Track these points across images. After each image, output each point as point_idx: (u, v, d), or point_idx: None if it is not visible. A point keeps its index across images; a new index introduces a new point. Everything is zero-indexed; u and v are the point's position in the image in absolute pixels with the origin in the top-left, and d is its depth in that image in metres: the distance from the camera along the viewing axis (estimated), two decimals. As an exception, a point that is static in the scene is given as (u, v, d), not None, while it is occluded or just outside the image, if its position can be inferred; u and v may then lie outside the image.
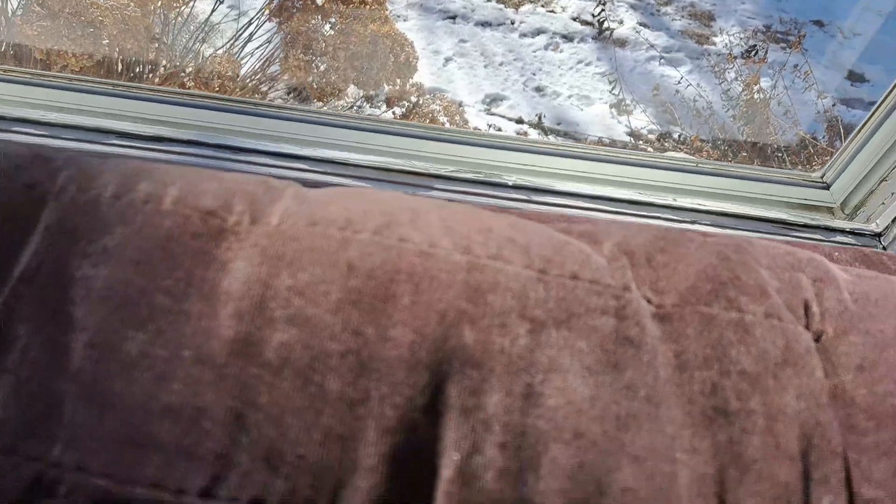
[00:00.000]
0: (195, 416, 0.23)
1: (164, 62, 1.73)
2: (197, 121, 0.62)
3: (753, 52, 2.42)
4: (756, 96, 2.29)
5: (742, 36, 2.70)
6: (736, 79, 2.47)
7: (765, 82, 2.35)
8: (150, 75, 1.69)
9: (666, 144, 2.33)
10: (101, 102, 0.62)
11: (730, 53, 2.52)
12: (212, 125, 0.63)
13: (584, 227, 0.32)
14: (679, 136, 2.34)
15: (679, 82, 2.41)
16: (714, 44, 2.66)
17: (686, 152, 2.30)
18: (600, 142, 2.20)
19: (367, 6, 1.48)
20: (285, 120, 0.66)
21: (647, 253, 0.30)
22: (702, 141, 2.35)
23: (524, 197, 0.60)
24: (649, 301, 0.29)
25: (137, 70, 1.63)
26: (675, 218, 0.60)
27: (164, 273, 0.25)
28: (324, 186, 0.61)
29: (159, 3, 1.27)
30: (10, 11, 1.42)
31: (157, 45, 1.57)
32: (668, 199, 0.61)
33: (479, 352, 0.25)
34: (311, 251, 0.26)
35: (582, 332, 0.26)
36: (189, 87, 1.59)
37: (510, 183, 0.61)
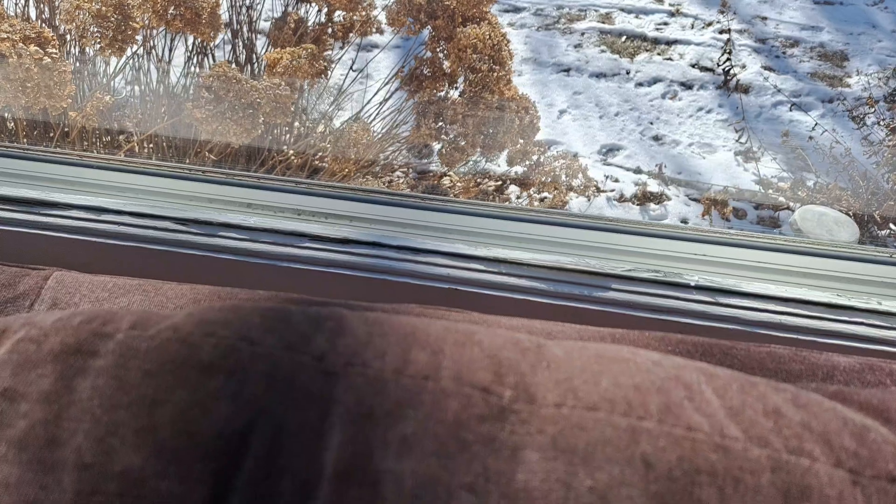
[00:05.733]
0: None
1: (297, 124, 1.84)
2: (376, 216, 0.65)
3: (899, 94, 2.25)
4: (904, 142, 2.11)
5: (881, 76, 2.53)
6: (877, 123, 2.30)
7: (914, 126, 2.17)
8: (287, 136, 1.81)
9: (800, 193, 2.20)
10: (288, 200, 0.66)
11: (870, 96, 2.35)
12: (391, 220, 0.65)
13: (866, 396, 0.29)
14: (814, 184, 2.20)
15: (813, 129, 2.28)
16: (849, 86, 2.50)
17: (823, 201, 2.15)
18: (725, 191, 2.10)
19: (495, 73, 1.51)
20: (455, 213, 0.67)
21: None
22: (841, 189, 2.19)
23: (709, 299, 0.58)
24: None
25: (275, 132, 1.75)
26: (884, 324, 0.55)
27: (463, 467, 0.25)
28: (499, 287, 0.62)
29: (305, 82, 1.36)
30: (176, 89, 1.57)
31: (293, 107, 1.67)
32: (872, 303, 0.56)
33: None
34: (603, 444, 0.25)
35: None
36: (323, 148, 1.68)
37: (692, 283, 0.59)
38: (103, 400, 0.24)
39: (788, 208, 2.13)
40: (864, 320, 0.55)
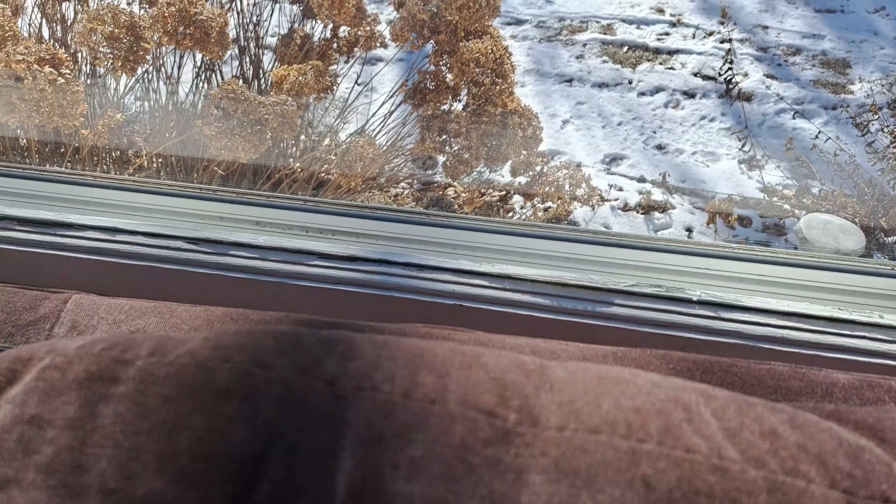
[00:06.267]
0: None
1: (303, 137, 1.86)
2: (382, 232, 0.66)
3: (902, 101, 2.25)
4: (908, 149, 2.11)
5: (885, 83, 2.53)
6: (881, 130, 2.30)
7: (917, 134, 2.18)
8: (293, 149, 1.83)
9: (805, 200, 2.20)
10: (296, 218, 0.67)
11: (873, 103, 2.35)
12: (396, 236, 0.66)
13: (861, 416, 0.30)
14: (819, 191, 2.20)
15: (816, 136, 2.28)
16: (852, 93, 2.51)
17: (828, 209, 2.15)
18: (730, 199, 2.10)
19: (497, 86, 1.52)
20: (459, 229, 0.68)
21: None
22: (846, 196, 2.18)
23: (711, 314, 0.58)
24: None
25: (282, 146, 1.77)
26: (886, 338, 0.55)
27: (469, 490, 0.26)
28: (503, 303, 0.63)
29: (312, 98, 1.38)
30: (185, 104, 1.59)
31: (299, 122, 1.69)
32: (874, 316, 0.57)
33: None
34: (605, 467, 0.26)
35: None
36: (328, 161, 1.70)
37: (695, 298, 0.59)
38: (125, 426, 0.25)
39: (794, 216, 2.13)
40: (866, 334, 0.56)
